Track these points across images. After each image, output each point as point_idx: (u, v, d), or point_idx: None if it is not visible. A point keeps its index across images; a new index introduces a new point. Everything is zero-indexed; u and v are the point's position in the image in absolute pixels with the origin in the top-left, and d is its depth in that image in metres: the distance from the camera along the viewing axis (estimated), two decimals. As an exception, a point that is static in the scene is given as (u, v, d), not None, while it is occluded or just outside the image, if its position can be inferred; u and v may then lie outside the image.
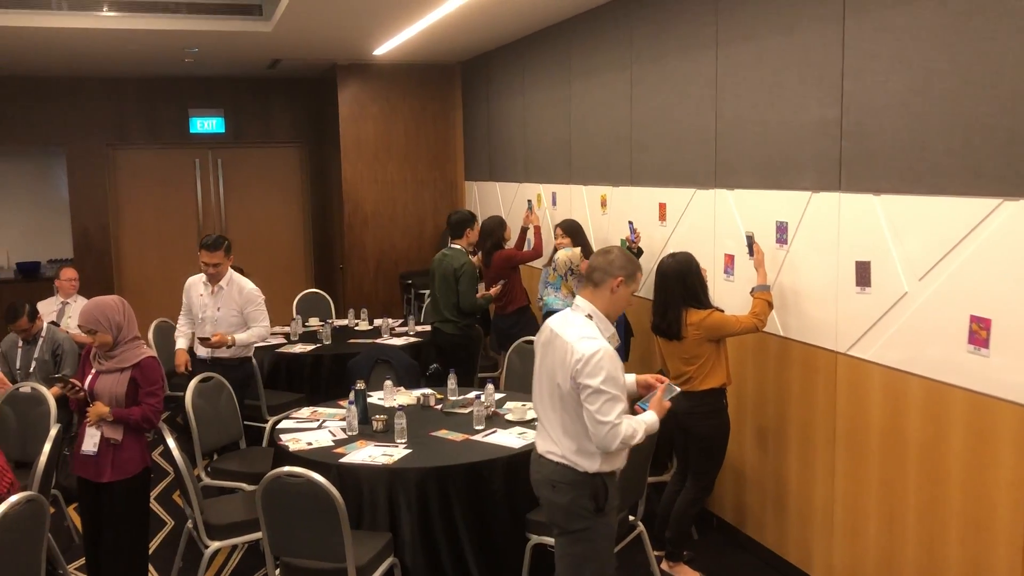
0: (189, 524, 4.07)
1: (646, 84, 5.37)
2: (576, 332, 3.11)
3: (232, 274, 5.40)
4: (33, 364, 5.60)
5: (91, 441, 3.75)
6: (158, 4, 6.50)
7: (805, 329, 4.12)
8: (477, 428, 4.34)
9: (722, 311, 4.23)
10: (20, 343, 5.66)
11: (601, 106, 5.94)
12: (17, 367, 5.61)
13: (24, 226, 9.80)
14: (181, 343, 5.50)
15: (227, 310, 5.34)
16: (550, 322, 3.26)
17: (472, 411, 4.45)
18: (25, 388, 4.92)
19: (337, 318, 7.50)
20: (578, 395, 3.07)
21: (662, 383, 3.35)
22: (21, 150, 9.70)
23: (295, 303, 7.86)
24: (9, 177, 9.79)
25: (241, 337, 5.30)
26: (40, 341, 5.65)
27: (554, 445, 3.21)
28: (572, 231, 5.79)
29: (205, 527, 3.99)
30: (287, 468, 3.47)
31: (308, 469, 3.48)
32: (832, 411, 3.96)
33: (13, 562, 3.22)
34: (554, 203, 6.77)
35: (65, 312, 6.72)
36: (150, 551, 4.31)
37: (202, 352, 5.39)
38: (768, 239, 4.30)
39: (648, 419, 3.20)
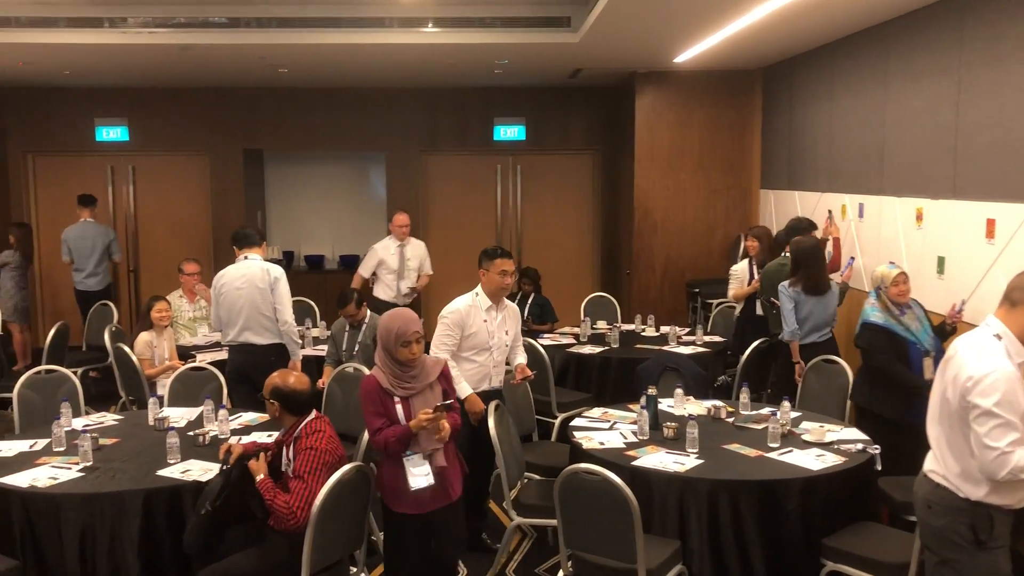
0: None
1: (977, 89, 4.93)
2: (976, 350, 2.93)
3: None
4: (357, 347, 6.21)
5: (422, 474, 3.57)
6: (475, 19, 6.94)
7: None
8: (772, 445, 4.22)
9: None
10: (347, 327, 6.29)
11: (921, 112, 5.54)
12: (343, 348, 6.25)
13: (347, 223, 10.88)
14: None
15: (511, 332, 4.83)
16: (958, 340, 3.10)
17: (767, 427, 4.33)
18: (349, 368, 5.49)
19: (623, 322, 7.61)
20: (966, 415, 2.89)
21: None
22: (346, 155, 10.78)
23: (583, 305, 8.08)
24: (334, 179, 10.92)
25: (521, 362, 4.87)
26: (364, 327, 6.25)
27: (938, 464, 3.05)
28: (760, 236, 6.53)
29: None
30: (585, 465, 3.58)
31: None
32: None
33: (346, 520, 3.63)
34: (860, 215, 6.41)
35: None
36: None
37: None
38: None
39: None
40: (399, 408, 3.59)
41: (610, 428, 4.55)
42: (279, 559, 3.51)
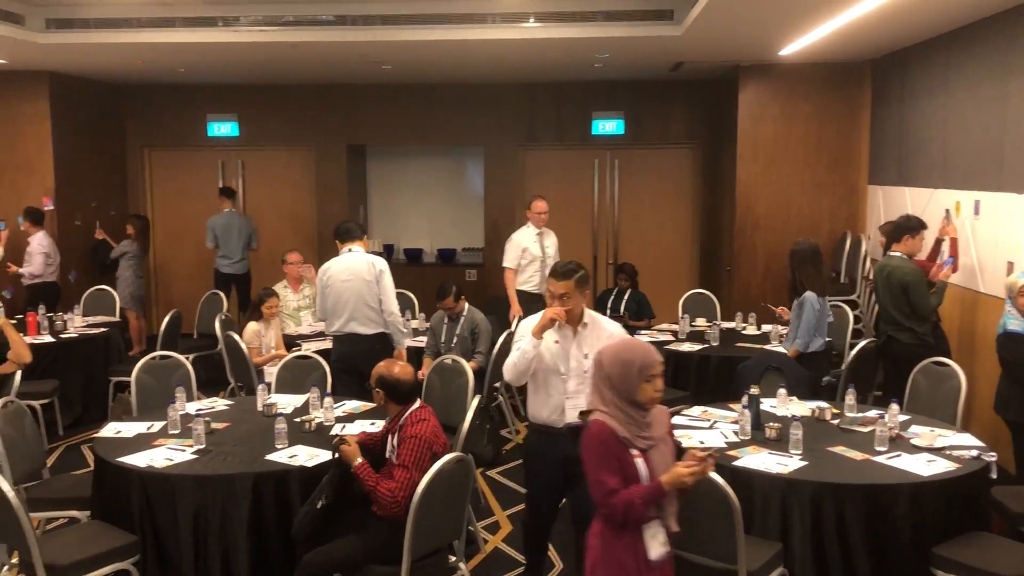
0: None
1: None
2: None
3: (591, 313, 3.99)
4: (455, 339, 6.29)
5: (660, 541, 2.92)
6: (577, 14, 6.93)
7: None
8: (879, 449, 4.09)
9: None
10: (446, 320, 6.38)
11: (1045, 105, 5.27)
12: (442, 340, 6.35)
13: (444, 217, 11.02)
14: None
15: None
16: None
17: (874, 430, 4.20)
18: (448, 360, 5.56)
19: (723, 320, 7.48)
20: None
21: None
22: (444, 150, 10.91)
23: (681, 302, 7.98)
24: (433, 174, 11.06)
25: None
26: (462, 320, 6.33)
27: None
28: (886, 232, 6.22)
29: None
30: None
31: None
32: None
33: (446, 509, 3.68)
34: (976, 212, 6.14)
35: None
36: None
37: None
38: None
39: None
40: (639, 463, 2.87)
41: (710, 427, 4.50)
42: (381, 545, 3.60)
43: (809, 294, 5.65)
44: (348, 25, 7.02)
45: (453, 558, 3.84)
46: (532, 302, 7.21)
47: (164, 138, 10.59)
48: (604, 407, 2.88)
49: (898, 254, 5.82)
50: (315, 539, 3.69)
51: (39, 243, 8.35)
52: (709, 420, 4.60)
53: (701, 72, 9.23)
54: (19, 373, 5.56)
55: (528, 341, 3.85)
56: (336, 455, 3.73)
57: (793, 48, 7.45)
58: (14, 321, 7.61)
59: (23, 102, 8.99)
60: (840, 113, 8.53)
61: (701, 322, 7.28)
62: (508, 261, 7.56)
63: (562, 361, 3.88)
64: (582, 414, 3.02)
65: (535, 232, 7.58)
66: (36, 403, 6.12)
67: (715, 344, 6.56)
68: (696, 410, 4.84)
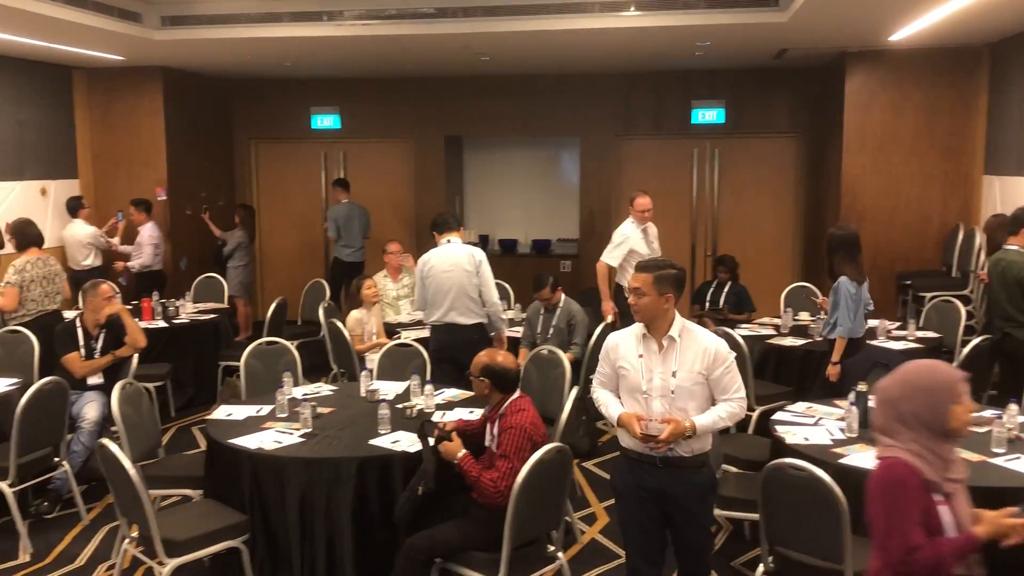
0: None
1: None
2: None
3: (682, 320, 3.47)
4: (551, 330, 6.30)
5: None
6: (678, 1, 6.82)
7: None
8: (996, 450, 3.92)
9: None
10: (542, 310, 6.40)
11: None
12: (538, 331, 6.36)
13: (539, 208, 11.04)
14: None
15: (688, 373, 3.38)
16: None
17: (991, 431, 4.03)
18: (544, 350, 5.57)
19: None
20: None
21: None
22: (539, 140, 10.92)
23: (783, 295, 7.80)
24: (528, 164, 11.08)
25: (705, 423, 3.36)
26: (558, 311, 6.33)
27: None
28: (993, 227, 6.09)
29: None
30: (791, 460, 3.47)
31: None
32: None
33: (546, 499, 3.71)
34: (1104, 204, 5.81)
35: None
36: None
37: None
38: None
39: None
40: (943, 512, 2.43)
41: (815, 424, 4.39)
42: (481, 532, 3.64)
43: (843, 279, 5.38)
44: (448, 17, 7.08)
45: (551, 548, 3.85)
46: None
47: (269, 131, 10.91)
48: (907, 445, 2.42)
49: (1015, 247, 5.58)
50: (416, 523, 3.75)
51: (149, 234, 8.67)
52: (814, 417, 4.49)
53: (806, 59, 8.97)
54: (135, 356, 5.84)
55: (609, 414, 3.49)
56: (427, 438, 3.78)
57: (904, 33, 7.17)
58: (129, 308, 8.01)
59: (139, 97, 9.39)
60: (953, 100, 8.18)
61: (804, 316, 7.10)
62: (611, 258, 7.13)
63: (644, 379, 3.39)
64: None
65: (639, 228, 7.17)
66: (150, 385, 6.39)
67: (819, 339, 6.38)
68: (800, 406, 4.72)
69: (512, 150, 11.05)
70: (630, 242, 7.06)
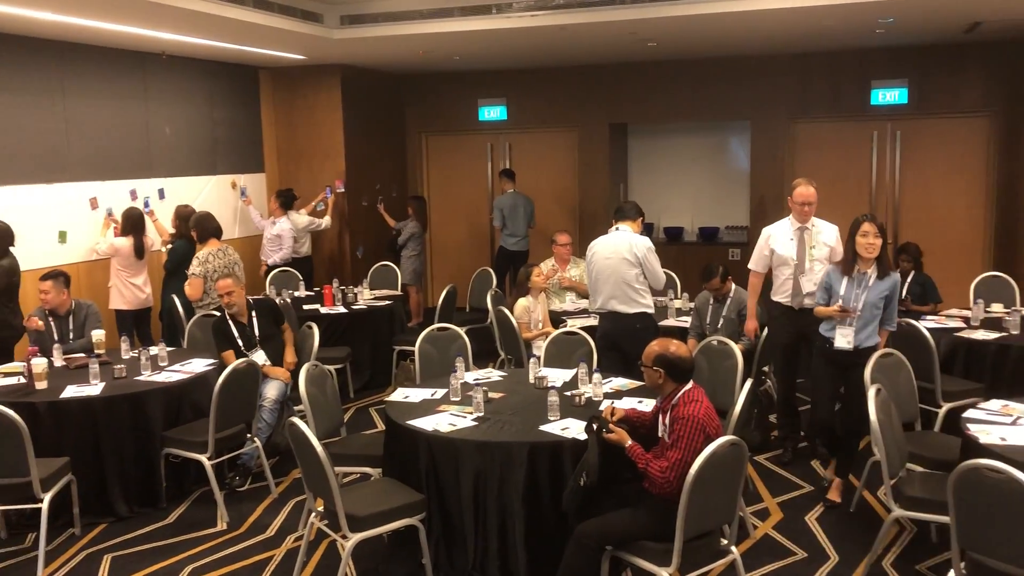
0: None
1: None
2: None
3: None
4: (721, 321, 6.17)
5: None
6: (860, -23, 6.49)
7: None
8: None
9: None
10: (711, 301, 6.27)
11: None
12: (707, 322, 6.24)
13: (706, 195, 10.81)
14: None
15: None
16: None
17: None
18: (713, 341, 5.46)
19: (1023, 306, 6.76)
20: None
21: None
22: (706, 126, 10.67)
23: (973, 286, 7.30)
24: (694, 150, 10.85)
25: None
26: (728, 301, 6.19)
27: None
28: None
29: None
30: (988, 461, 3.25)
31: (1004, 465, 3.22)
32: None
33: (719, 491, 3.63)
34: None
35: None
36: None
37: None
38: None
39: None
40: None
41: (1012, 423, 4.09)
42: (654, 522, 3.62)
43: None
44: (617, 5, 7.04)
45: (724, 541, 3.79)
46: (788, 320, 5.62)
47: (439, 124, 11.21)
48: None
49: None
50: (589, 511, 3.77)
51: (288, 227, 8.94)
52: (1011, 416, 4.19)
53: (1001, 32, 8.33)
54: (317, 338, 6.12)
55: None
56: (593, 427, 3.79)
57: (1120, -2, 6.53)
58: (311, 293, 8.46)
59: (319, 94, 9.88)
60: None
61: (998, 308, 6.62)
62: (754, 263, 5.84)
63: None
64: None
65: (794, 228, 5.62)
66: (331, 367, 6.71)
67: (1015, 332, 5.95)
68: (995, 404, 4.42)
69: (677, 136, 10.87)
70: (772, 241, 5.68)
